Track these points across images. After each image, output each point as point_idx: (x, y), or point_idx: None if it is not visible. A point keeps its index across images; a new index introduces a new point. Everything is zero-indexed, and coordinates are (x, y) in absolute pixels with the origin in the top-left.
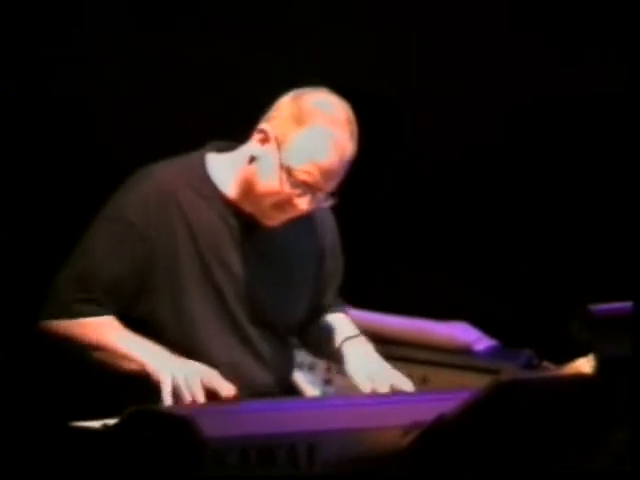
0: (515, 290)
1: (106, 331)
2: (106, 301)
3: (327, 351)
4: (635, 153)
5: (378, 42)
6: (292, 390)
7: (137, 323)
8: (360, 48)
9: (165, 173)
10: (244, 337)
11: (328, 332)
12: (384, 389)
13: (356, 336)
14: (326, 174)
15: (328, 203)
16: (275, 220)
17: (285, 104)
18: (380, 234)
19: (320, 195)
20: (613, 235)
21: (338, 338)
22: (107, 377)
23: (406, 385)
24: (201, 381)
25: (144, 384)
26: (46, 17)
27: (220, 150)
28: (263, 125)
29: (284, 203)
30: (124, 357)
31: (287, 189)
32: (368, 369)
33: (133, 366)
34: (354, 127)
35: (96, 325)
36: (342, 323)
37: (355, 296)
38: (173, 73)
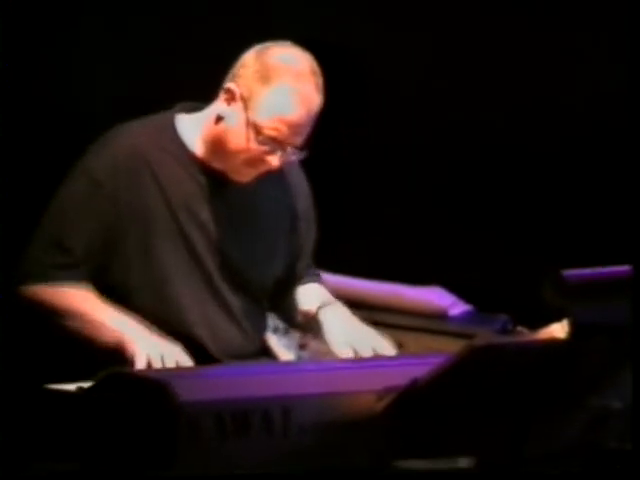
0: (490, 255)
1: (83, 300)
2: (82, 261)
3: (303, 320)
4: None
5: None
6: (265, 350)
7: (110, 289)
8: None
9: (135, 133)
10: (216, 293)
11: (303, 301)
12: (366, 354)
13: (332, 303)
14: (294, 129)
15: (298, 156)
16: (246, 176)
17: (249, 61)
18: (355, 199)
19: (289, 149)
20: (588, 200)
21: (313, 306)
22: (82, 345)
23: (387, 349)
24: (175, 363)
25: (118, 354)
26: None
27: (189, 110)
28: (229, 84)
29: (255, 160)
30: (100, 328)
31: (256, 146)
32: (347, 336)
33: (109, 338)
34: (319, 79)
35: (73, 294)
36: (317, 292)
37: (330, 261)
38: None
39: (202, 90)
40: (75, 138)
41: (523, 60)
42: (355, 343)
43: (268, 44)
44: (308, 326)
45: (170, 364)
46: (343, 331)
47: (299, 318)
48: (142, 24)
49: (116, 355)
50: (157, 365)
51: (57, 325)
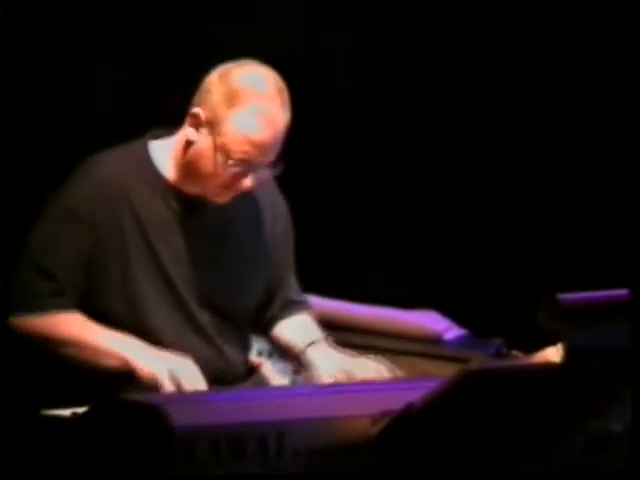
0: (484, 279)
1: (76, 325)
2: (66, 287)
3: (293, 355)
4: (604, 142)
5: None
6: (249, 374)
7: (94, 318)
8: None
9: (109, 162)
10: (195, 323)
11: (291, 335)
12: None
13: (320, 341)
14: (262, 149)
15: (272, 174)
16: (223, 197)
17: (214, 84)
18: (350, 223)
19: (262, 169)
20: (583, 224)
21: (302, 343)
22: (80, 371)
23: (383, 372)
24: (187, 377)
25: (116, 376)
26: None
27: (160, 136)
28: (195, 109)
29: (228, 183)
30: (100, 352)
31: (227, 170)
32: (338, 365)
33: (111, 361)
34: (285, 95)
35: (66, 320)
36: (306, 326)
37: (324, 285)
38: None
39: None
40: (75, 138)
41: (520, 62)
42: (349, 370)
43: (230, 65)
44: (299, 362)
45: (183, 378)
46: (333, 363)
47: (291, 353)
48: (142, 24)
49: (116, 378)
50: (167, 381)
51: (54, 354)
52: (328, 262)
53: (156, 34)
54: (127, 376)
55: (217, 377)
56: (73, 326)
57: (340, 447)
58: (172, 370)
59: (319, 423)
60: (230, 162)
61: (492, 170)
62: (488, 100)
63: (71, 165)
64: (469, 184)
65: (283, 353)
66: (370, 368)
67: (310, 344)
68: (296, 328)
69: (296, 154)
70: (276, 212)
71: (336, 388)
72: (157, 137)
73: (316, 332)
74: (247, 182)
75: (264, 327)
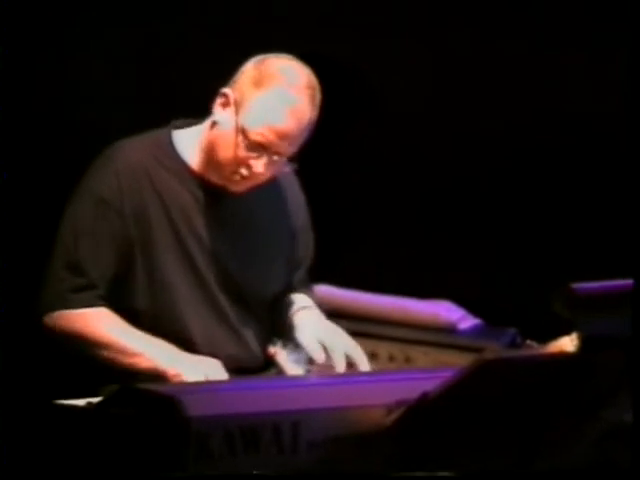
0: (499, 269)
1: (106, 325)
2: (98, 283)
3: (279, 324)
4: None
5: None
6: (268, 364)
7: (120, 308)
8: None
9: (134, 149)
10: (217, 307)
11: (283, 307)
12: (338, 355)
13: (309, 307)
14: (282, 137)
15: (288, 168)
16: (239, 186)
17: (248, 68)
18: (363, 213)
19: (278, 159)
20: (596, 213)
21: (291, 310)
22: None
23: (358, 352)
24: None
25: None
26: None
27: (186, 126)
28: (225, 89)
29: (241, 165)
30: (132, 356)
31: (242, 151)
32: (319, 334)
33: (144, 366)
34: (316, 93)
35: (96, 318)
36: (297, 298)
37: (339, 275)
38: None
39: (200, 95)
40: (74, 137)
41: (522, 74)
42: (326, 341)
43: (269, 55)
44: (285, 329)
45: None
46: (315, 330)
47: (277, 322)
48: (143, 25)
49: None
50: None
51: (81, 351)
52: (344, 254)
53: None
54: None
55: (240, 368)
56: (102, 324)
57: (355, 437)
58: (208, 376)
59: (334, 413)
60: (246, 143)
61: (505, 161)
62: (501, 98)
63: (71, 167)
64: (482, 174)
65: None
66: (348, 341)
67: (297, 310)
68: (290, 298)
69: (327, 153)
70: (294, 203)
71: (351, 378)
72: (181, 126)
73: (306, 300)
74: (257, 167)
75: (273, 312)
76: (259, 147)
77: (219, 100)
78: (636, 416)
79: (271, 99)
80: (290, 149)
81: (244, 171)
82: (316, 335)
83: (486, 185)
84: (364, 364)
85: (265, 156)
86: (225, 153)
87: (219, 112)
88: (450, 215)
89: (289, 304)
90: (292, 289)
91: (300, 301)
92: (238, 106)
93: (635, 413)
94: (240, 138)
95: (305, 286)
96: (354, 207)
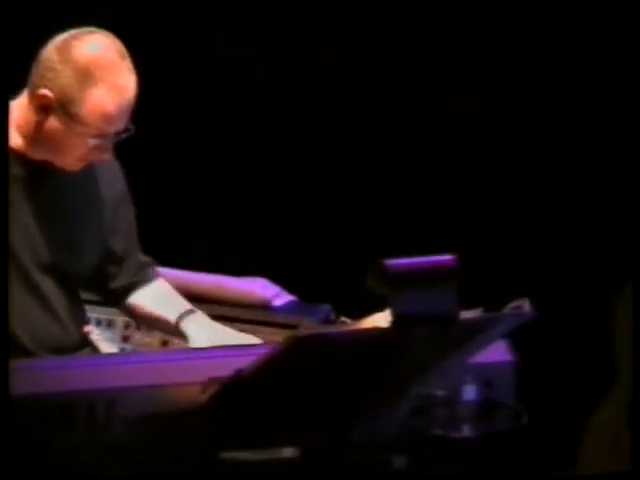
0: (313, 245)
1: None
2: None
3: (163, 327)
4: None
5: None
6: (85, 343)
7: None
8: None
9: None
10: (32, 286)
11: (161, 307)
12: None
13: (192, 312)
14: (117, 119)
15: (125, 136)
16: (78, 166)
17: (57, 63)
18: (189, 189)
19: (115, 137)
20: (410, 188)
21: (171, 315)
22: None
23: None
24: None
25: None
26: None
27: None
28: (42, 91)
29: (86, 155)
30: None
31: (86, 146)
32: (213, 342)
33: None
34: (128, 59)
35: None
36: (170, 296)
37: (159, 253)
38: None
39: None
40: None
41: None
42: (217, 342)
43: (66, 37)
44: (172, 333)
45: None
46: (208, 339)
47: (160, 325)
48: None
49: None
50: None
51: None
52: (163, 229)
53: None
54: None
55: (57, 347)
56: None
57: (171, 414)
58: None
59: (148, 391)
60: (89, 139)
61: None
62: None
63: None
64: (302, 149)
65: (149, 325)
66: (242, 341)
67: (182, 315)
68: (160, 298)
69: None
70: (114, 176)
71: (165, 355)
72: None
73: (183, 302)
74: (105, 154)
75: (118, 297)
76: (101, 136)
77: (37, 101)
78: (636, 414)
79: (101, 94)
80: (124, 123)
81: (91, 157)
82: (211, 343)
83: (300, 160)
84: None
85: (107, 141)
86: (66, 149)
87: (40, 113)
88: (267, 192)
89: (162, 302)
90: (120, 259)
91: (176, 303)
92: (66, 107)
93: (635, 413)
94: (80, 136)
95: (153, 269)
96: (184, 184)
